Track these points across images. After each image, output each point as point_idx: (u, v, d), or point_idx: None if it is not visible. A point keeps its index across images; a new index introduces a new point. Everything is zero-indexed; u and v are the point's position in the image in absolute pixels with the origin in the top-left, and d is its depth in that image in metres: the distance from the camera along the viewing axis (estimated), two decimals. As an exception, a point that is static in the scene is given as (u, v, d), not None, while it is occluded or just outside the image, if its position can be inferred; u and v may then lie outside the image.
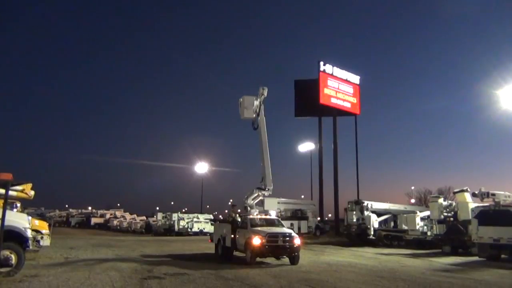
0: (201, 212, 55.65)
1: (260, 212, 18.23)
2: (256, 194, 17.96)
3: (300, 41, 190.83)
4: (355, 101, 45.74)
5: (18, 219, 10.72)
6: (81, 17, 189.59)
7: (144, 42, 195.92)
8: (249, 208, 17.70)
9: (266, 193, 18.04)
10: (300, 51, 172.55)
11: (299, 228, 35.06)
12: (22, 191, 11.98)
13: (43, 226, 14.82)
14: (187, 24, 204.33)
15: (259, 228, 15.56)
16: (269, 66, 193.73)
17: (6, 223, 9.48)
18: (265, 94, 18.90)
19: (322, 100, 42.46)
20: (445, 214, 23.33)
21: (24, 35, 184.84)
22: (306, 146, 50.11)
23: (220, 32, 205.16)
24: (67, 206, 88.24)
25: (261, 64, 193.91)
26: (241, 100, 18.98)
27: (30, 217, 11.91)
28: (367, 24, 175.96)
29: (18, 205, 14.37)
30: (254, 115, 18.82)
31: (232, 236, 16.50)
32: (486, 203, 19.46)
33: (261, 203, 25.99)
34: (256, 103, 18.80)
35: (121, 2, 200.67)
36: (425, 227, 26.23)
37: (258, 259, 15.17)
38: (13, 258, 10.18)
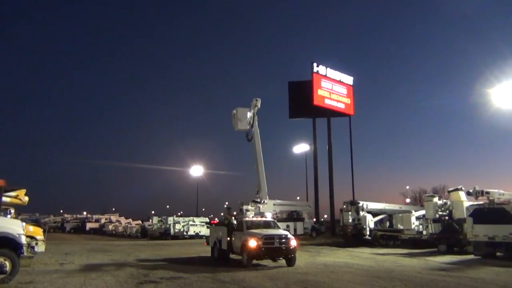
0: (197, 215, 55.53)
1: (255, 214, 18.22)
2: (251, 207, 17.87)
3: (294, 43, 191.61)
4: (349, 102, 45.90)
5: (12, 226, 10.61)
6: (78, 23, 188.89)
7: (140, 46, 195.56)
8: (244, 211, 17.67)
9: (261, 206, 17.91)
10: (294, 53, 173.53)
11: (295, 230, 35.09)
12: (16, 197, 11.93)
13: (38, 232, 14.68)
14: (182, 28, 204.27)
15: (255, 230, 15.50)
16: (264, 68, 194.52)
17: (0, 229, 9.39)
18: (259, 105, 18.74)
19: (316, 101, 42.58)
20: (440, 213, 23.44)
21: (23, 39, 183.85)
22: (301, 147, 50.16)
23: (214, 35, 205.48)
24: (61, 211, 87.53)
25: (255, 66, 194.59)
26: (235, 112, 18.78)
27: (24, 223, 11.81)
28: (361, 24, 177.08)
29: (12, 211, 14.23)
30: (248, 127, 18.65)
31: (228, 238, 16.48)
32: (481, 201, 19.61)
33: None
34: (250, 114, 18.63)
35: (118, 9, 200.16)
36: (421, 227, 26.42)
37: (254, 261, 15.15)
38: (8, 265, 10.07)
